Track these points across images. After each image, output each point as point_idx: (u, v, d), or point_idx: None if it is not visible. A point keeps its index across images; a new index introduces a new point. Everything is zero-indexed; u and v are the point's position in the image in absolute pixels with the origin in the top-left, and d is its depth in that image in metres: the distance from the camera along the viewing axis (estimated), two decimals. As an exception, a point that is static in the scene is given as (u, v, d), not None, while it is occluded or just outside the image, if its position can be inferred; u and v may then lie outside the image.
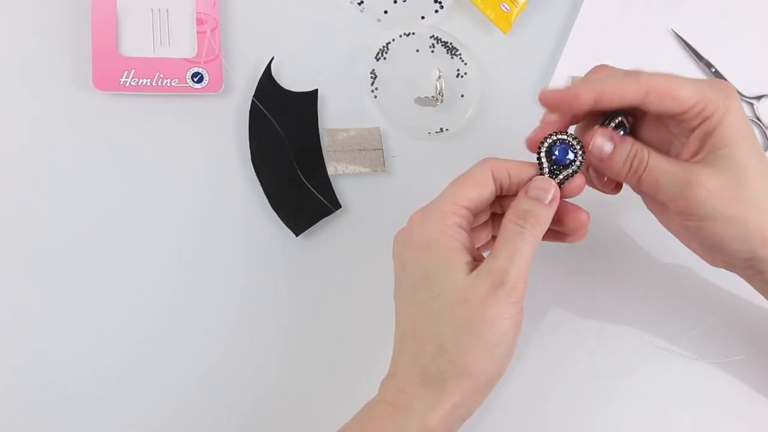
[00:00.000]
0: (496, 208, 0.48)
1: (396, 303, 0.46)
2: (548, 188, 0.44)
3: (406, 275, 0.44)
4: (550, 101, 0.45)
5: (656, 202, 0.49)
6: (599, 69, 0.47)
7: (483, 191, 0.45)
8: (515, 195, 0.45)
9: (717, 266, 0.49)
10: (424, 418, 0.41)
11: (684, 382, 0.55)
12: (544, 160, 0.45)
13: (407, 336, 0.44)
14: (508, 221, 0.44)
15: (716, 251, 0.47)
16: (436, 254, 0.43)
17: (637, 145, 0.46)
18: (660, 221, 0.50)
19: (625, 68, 0.46)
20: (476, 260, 0.44)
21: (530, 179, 0.45)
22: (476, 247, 0.47)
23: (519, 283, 0.42)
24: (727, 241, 0.45)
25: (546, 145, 0.45)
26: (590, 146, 0.45)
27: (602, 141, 0.45)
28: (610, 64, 0.47)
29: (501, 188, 0.45)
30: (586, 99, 0.44)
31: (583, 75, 0.46)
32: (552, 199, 0.44)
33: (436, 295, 0.42)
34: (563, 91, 0.45)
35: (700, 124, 0.44)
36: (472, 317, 0.41)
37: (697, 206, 0.44)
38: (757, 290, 0.49)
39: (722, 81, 0.46)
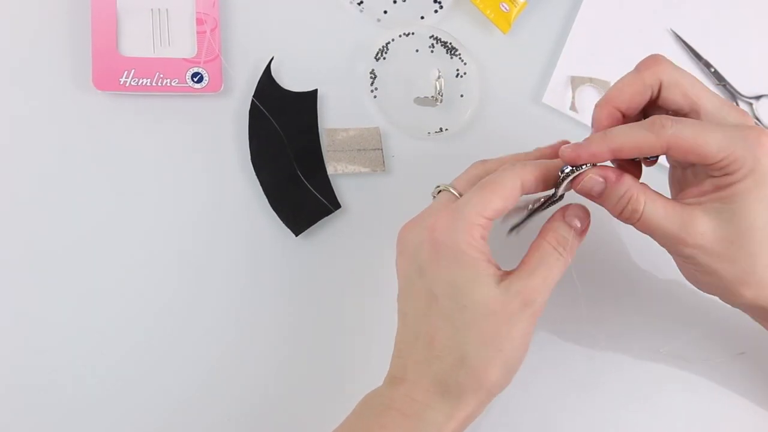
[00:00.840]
0: None
1: (404, 304, 0.45)
2: (583, 217, 0.45)
3: (424, 279, 0.43)
4: (568, 159, 0.44)
5: None
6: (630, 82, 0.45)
7: (509, 203, 0.44)
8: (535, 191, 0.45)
9: None
10: (439, 430, 0.41)
11: (681, 383, 0.55)
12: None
13: (421, 342, 0.43)
14: (547, 244, 0.44)
15: (692, 282, 0.48)
16: (465, 266, 0.42)
17: (634, 191, 0.43)
18: None
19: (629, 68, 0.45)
20: (498, 270, 0.44)
21: (555, 180, 0.44)
22: None
23: (543, 305, 0.43)
24: (702, 284, 0.47)
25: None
26: (580, 184, 0.44)
27: (592, 182, 0.44)
28: (667, 59, 0.46)
29: (525, 192, 0.45)
30: (603, 157, 0.43)
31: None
32: (582, 231, 0.45)
33: (462, 306, 0.42)
34: (580, 149, 0.43)
35: (721, 176, 0.42)
36: (498, 331, 0.42)
37: (685, 255, 0.44)
38: None
39: (757, 129, 0.42)
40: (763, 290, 0.44)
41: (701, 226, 0.43)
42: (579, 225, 0.45)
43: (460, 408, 0.42)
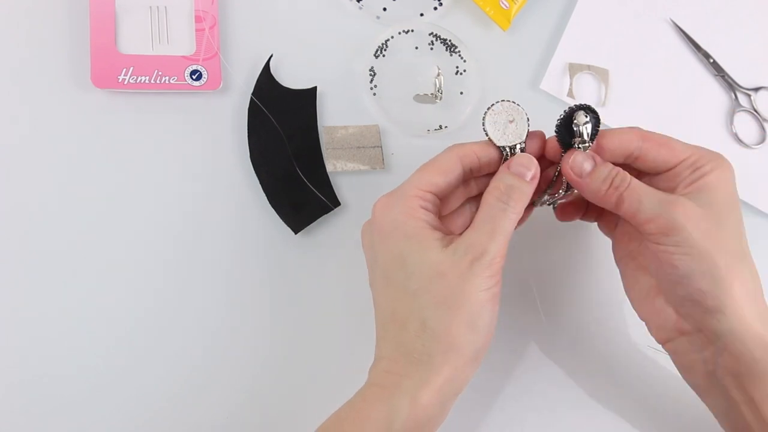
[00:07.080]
0: (472, 190, 0.48)
1: (372, 292, 0.46)
2: (529, 165, 0.45)
3: (378, 262, 0.45)
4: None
5: (612, 228, 0.50)
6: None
7: (449, 177, 0.45)
8: (486, 174, 0.46)
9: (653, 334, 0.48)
10: (414, 396, 0.42)
11: (674, 381, 0.55)
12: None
13: (387, 320, 0.44)
14: (490, 196, 0.44)
15: (670, 290, 0.45)
16: (406, 235, 0.43)
17: (619, 167, 0.45)
18: (614, 251, 0.50)
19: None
20: (447, 235, 0.44)
21: (500, 157, 0.46)
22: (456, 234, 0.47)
23: (497, 257, 0.43)
24: (690, 275, 0.42)
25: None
26: (569, 162, 0.45)
27: (582, 159, 0.45)
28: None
29: (471, 172, 0.46)
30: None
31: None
32: (533, 177, 0.45)
33: (410, 273, 0.43)
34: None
35: (692, 171, 0.44)
36: (451, 291, 0.42)
37: (676, 229, 0.42)
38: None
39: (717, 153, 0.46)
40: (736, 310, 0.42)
41: (688, 204, 0.43)
42: (525, 172, 0.44)
43: (433, 372, 0.42)
